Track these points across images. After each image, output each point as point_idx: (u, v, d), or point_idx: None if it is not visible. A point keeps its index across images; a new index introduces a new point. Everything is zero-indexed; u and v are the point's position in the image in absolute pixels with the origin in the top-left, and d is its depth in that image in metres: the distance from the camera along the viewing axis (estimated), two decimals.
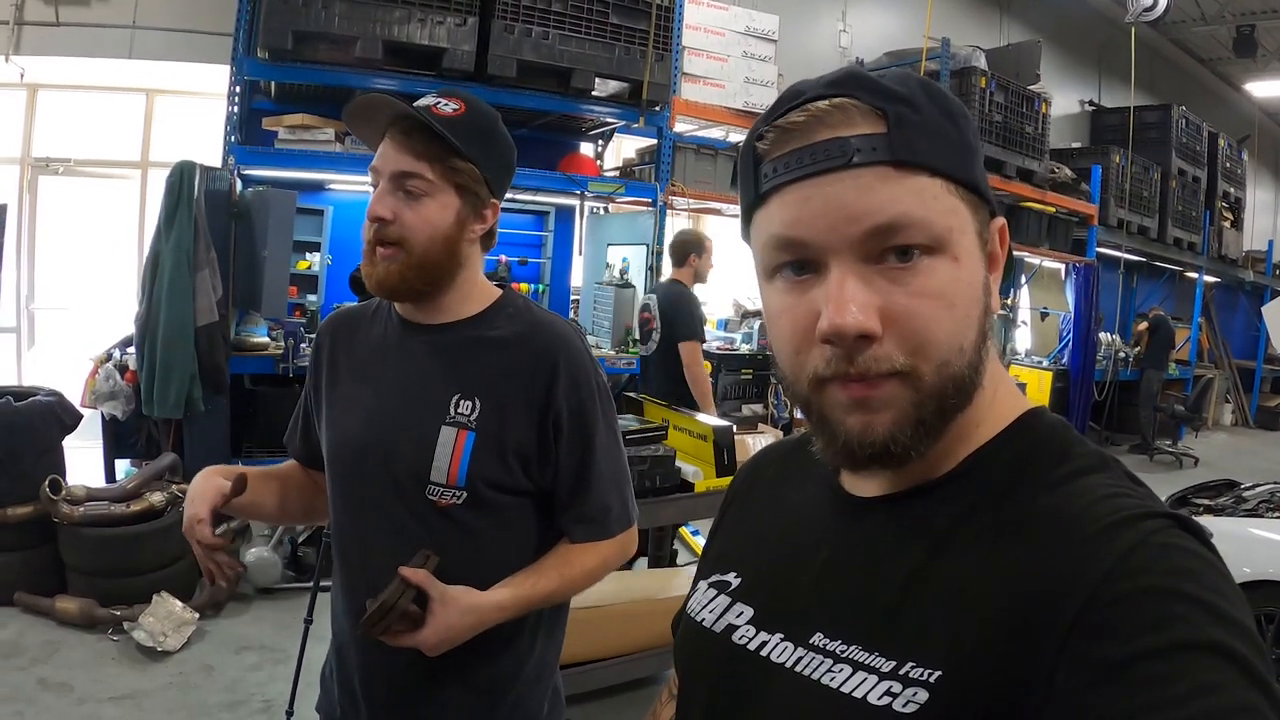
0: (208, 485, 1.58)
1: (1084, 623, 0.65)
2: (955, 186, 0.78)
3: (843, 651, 0.79)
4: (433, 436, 1.59)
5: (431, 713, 1.65)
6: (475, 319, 1.68)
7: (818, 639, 0.82)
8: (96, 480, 5.31)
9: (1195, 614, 0.63)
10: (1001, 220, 0.82)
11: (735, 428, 4.29)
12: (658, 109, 6.78)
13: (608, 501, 1.70)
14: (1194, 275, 14.12)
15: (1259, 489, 5.57)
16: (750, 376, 8.19)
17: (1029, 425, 0.84)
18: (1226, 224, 14.51)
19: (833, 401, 0.78)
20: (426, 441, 1.59)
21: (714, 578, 1.00)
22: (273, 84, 6.23)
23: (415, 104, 1.58)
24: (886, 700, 0.73)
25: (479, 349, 1.65)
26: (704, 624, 0.95)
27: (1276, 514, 4.93)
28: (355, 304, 1.86)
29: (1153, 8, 10.92)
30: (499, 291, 1.74)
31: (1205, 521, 4.44)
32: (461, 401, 1.60)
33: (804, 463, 1.01)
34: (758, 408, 8.20)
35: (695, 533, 6.38)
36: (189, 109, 7.80)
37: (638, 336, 6.03)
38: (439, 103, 1.58)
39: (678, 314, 5.37)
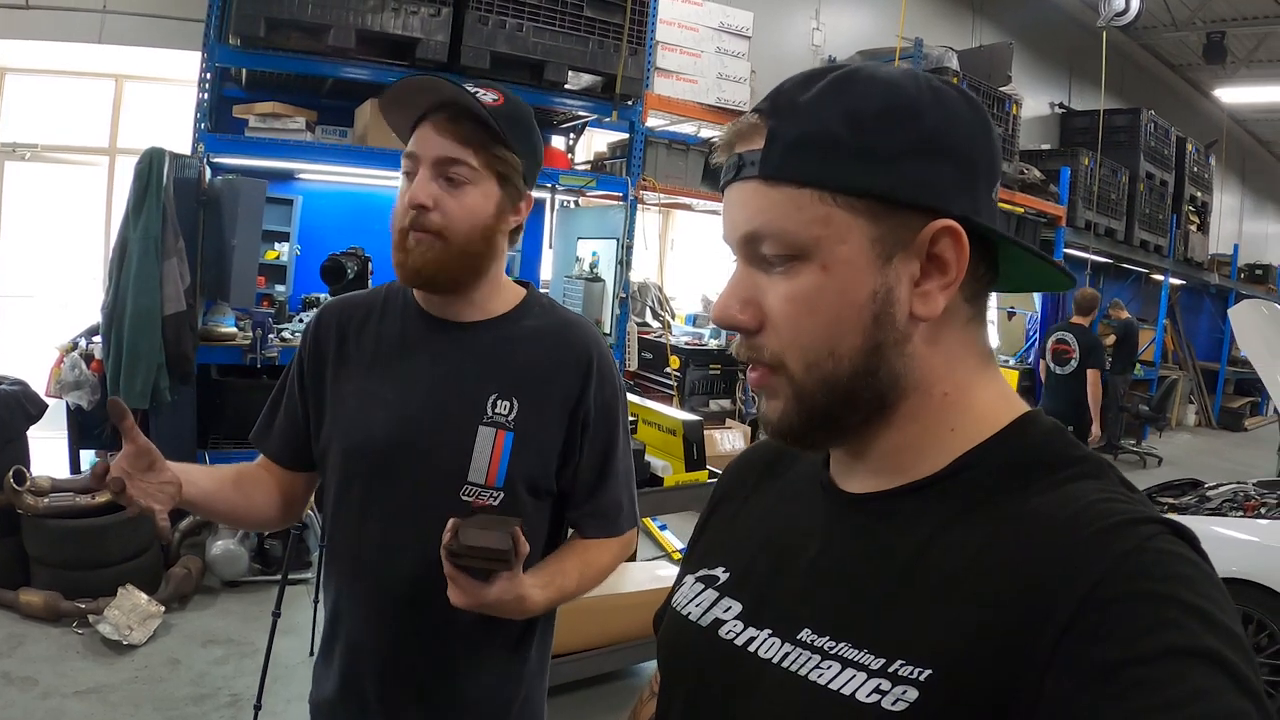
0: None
1: (1078, 625, 0.65)
2: (835, 196, 0.79)
3: (831, 648, 0.79)
4: (470, 436, 1.57)
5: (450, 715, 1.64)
6: (505, 317, 1.66)
7: (806, 635, 0.82)
8: (61, 471, 5.24)
9: (1189, 621, 0.63)
10: (943, 223, 0.79)
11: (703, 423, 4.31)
12: (630, 103, 6.76)
13: (620, 499, 1.71)
14: (1160, 278, 14.26)
15: (1222, 488, 5.64)
16: (719, 372, 8.22)
17: (1023, 428, 0.84)
18: (1193, 228, 14.67)
19: (750, 385, 0.88)
20: (464, 442, 1.56)
21: (701, 572, 0.99)
22: (244, 71, 6.15)
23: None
24: (875, 698, 0.73)
25: (514, 348, 1.62)
26: (690, 618, 0.95)
27: (1239, 513, 5.00)
28: (358, 293, 1.80)
29: (1124, 12, 11.02)
30: (524, 290, 1.72)
31: None
32: (499, 401, 1.58)
33: (795, 459, 1.01)
34: (725, 403, 8.23)
35: (663, 527, 6.39)
36: (159, 95, 7.68)
37: (1052, 363, 7.83)
38: (478, 92, 1.54)
39: (1093, 350, 7.57)
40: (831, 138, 0.79)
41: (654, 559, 5.77)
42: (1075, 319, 7.82)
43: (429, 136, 1.54)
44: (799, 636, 0.83)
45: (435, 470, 1.58)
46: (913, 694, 0.72)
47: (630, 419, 3.96)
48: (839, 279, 0.80)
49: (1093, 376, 7.45)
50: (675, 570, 4.70)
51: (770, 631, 0.86)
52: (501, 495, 1.57)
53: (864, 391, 0.82)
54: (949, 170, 0.80)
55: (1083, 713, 0.62)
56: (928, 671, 0.72)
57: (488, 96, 1.54)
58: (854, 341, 0.80)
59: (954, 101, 0.82)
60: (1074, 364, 7.54)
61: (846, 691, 0.75)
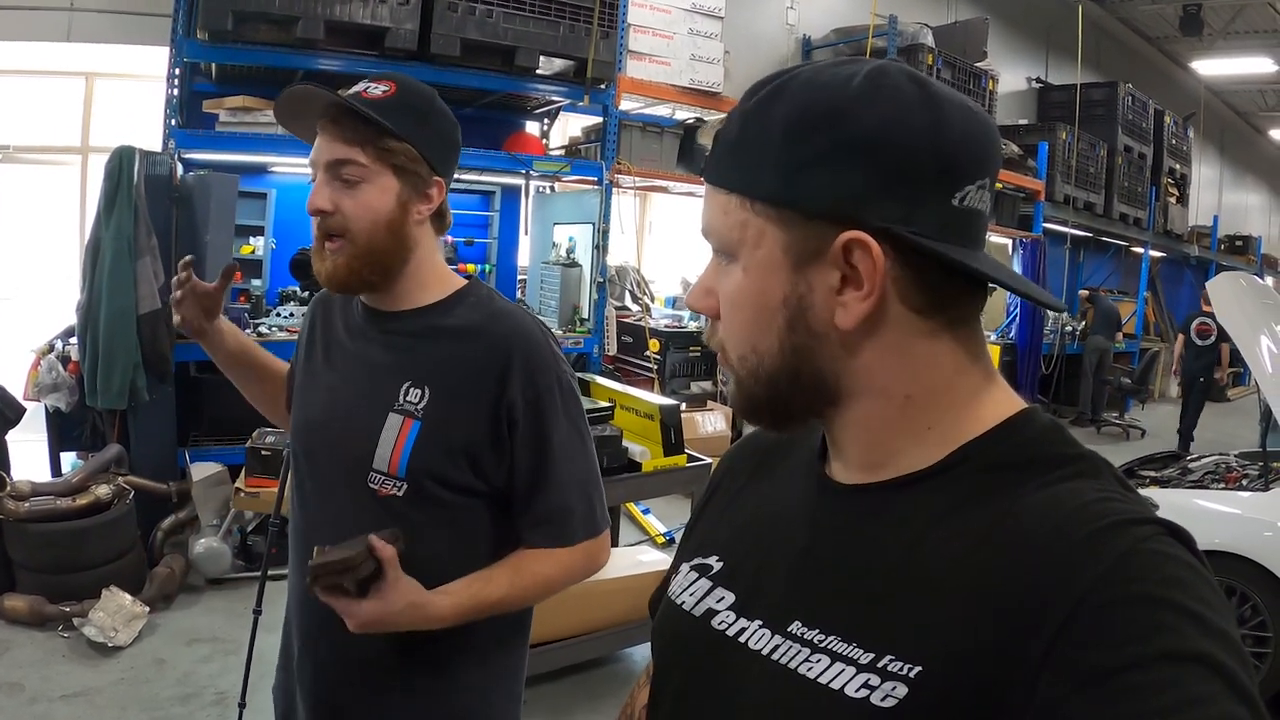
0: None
1: (1072, 628, 0.65)
2: (752, 202, 0.81)
3: (821, 641, 0.79)
4: (379, 422, 1.56)
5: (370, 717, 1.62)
6: (434, 307, 1.64)
7: (796, 627, 0.82)
8: (42, 474, 5.21)
9: (1184, 624, 0.63)
10: (851, 235, 0.76)
11: (684, 405, 4.32)
12: (603, 87, 6.76)
13: (568, 504, 1.61)
14: (1140, 250, 14.31)
15: (1204, 461, 5.67)
16: (699, 354, 8.22)
17: (1019, 426, 0.83)
18: (1172, 200, 14.73)
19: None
20: (372, 427, 1.56)
21: (696, 561, 0.99)
22: (213, 66, 6.11)
23: (344, 91, 1.54)
24: (864, 693, 0.73)
25: (434, 337, 1.61)
26: (684, 607, 0.95)
27: (1221, 485, 5.02)
28: None
29: None
30: (463, 281, 1.70)
31: (1150, 493, 4.51)
32: (411, 389, 1.57)
33: (789, 450, 1.00)
34: (706, 385, 8.23)
35: (646, 511, 6.40)
36: (130, 92, 7.64)
37: (1195, 338, 10.61)
38: (368, 87, 1.54)
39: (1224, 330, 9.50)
40: (755, 145, 0.80)
41: (637, 544, 5.79)
42: (1205, 308, 10.06)
43: (319, 143, 1.55)
44: (789, 629, 0.82)
45: (347, 455, 1.59)
46: (902, 690, 0.71)
47: (607, 405, 3.96)
48: (755, 281, 0.82)
49: (1224, 348, 10.32)
50: (658, 555, 4.74)
51: (761, 623, 0.86)
52: (405, 485, 1.55)
53: (789, 388, 0.83)
54: (872, 177, 0.76)
55: (1076, 716, 0.62)
56: (918, 668, 0.71)
57: (377, 89, 1.54)
58: (770, 342, 0.82)
59: (904, 105, 0.76)
60: (1213, 339, 10.37)
61: (835, 686, 0.75)
